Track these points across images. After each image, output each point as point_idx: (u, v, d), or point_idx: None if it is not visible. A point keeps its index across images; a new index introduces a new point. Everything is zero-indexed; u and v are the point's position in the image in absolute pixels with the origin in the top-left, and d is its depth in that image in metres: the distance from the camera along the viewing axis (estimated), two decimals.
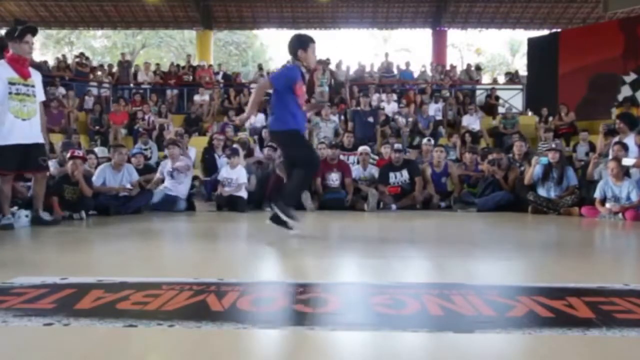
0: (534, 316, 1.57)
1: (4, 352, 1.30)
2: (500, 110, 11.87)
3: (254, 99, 3.59)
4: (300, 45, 3.44)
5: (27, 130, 4.13)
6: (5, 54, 4.15)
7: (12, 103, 4.04)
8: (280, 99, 3.47)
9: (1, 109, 4.01)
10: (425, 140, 7.95)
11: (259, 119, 10.31)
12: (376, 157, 7.68)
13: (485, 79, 14.64)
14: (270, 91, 3.56)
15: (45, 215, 4.48)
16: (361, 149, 7.16)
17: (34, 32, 4.20)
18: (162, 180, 6.64)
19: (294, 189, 3.54)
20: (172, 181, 6.39)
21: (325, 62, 12.71)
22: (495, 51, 31.29)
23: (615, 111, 9.64)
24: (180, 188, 6.39)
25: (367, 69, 13.75)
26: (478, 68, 14.36)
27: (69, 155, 5.50)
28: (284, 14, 17.37)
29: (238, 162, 6.48)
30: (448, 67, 14.69)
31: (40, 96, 4.35)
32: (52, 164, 5.82)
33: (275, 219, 3.47)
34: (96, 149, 7.91)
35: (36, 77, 4.28)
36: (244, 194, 6.34)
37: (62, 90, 11.22)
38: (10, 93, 4.03)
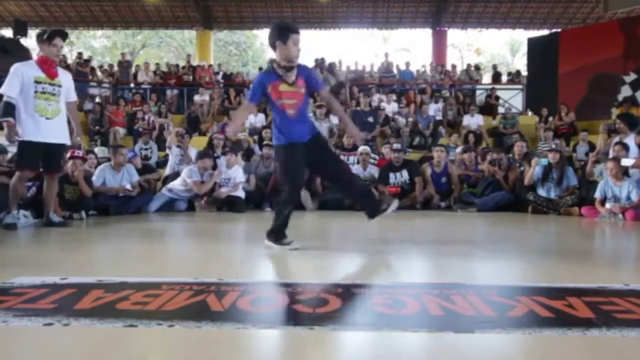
0: (534, 316, 1.57)
1: (4, 352, 1.30)
2: (500, 110, 11.88)
3: (237, 117, 3.17)
4: (278, 37, 2.89)
5: (52, 129, 4.17)
6: (38, 56, 4.27)
7: (37, 102, 4.09)
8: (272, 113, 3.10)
9: (24, 106, 4.05)
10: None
11: (258, 119, 10.31)
12: (376, 157, 7.68)
13: (486, 78, 14.64)
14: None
15: (55, 217, 4.49)
16: (361, 149, 7.16)
17: (63, 36, 4.28)
18: (168, 178, 6.59)
19: (276, 220, 3.07)
20: (182, 189, 6.34)
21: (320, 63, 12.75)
22: (495, 51, 31.31)
23: (615, 111, 9.64)
24: (185, 194, 6.38)
25: (367, 69, 13.75)
26: (477, 68, 14.37)
27: (68, 155, 5.50)
28: (284, 14, 17.36)
29: (235, 162, 6.47)
30: (448, 67, 14.70)
31: (70, 96, 4.40)
32: None
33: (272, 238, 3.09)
34: (96, 149, 7.91)
35: (64, 78, 4.33)
36: (241, 194, 6.34)
37: None
38: (36, 92, 4.08)
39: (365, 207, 3.25)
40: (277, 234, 3.05)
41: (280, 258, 2.94)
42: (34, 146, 4.09)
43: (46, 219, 4.42)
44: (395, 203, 3.21)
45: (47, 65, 4.16)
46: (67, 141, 4.38)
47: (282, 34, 2.90)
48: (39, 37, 4.20)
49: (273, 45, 2.95)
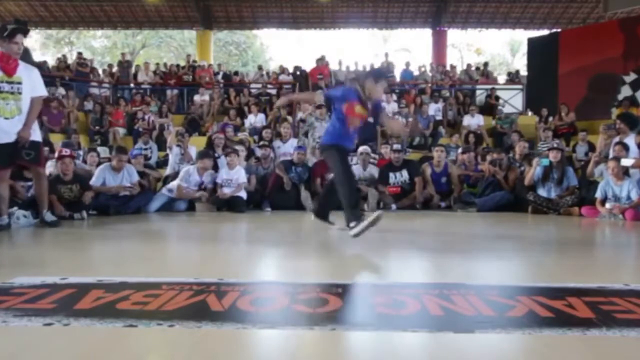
0: (534, 316, 1.57)
1: (4, 352, 1.30)
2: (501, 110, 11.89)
3: (299, 97, 3.90)
4: (372, 77, 3.57)
5: (13, 128, 4.01)
6: None
7: None
8: (332, 116, 3.73)
9: None
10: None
11: (259, 119, 10.32)
12: (376, 157, 7.68)
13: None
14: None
15: (49, 216, 4.46)
16: (361, 149, 7.15)
17: (25, 33, 4.10)
18: (168, 178, 6.55)
19: (344, 204, 3.48)
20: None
21: (322, 60, 12.75)
22: (495, 51, 31.33)
23: (615, 111, 9.64)
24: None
25: (367, 69, 13.75)
26: (478, 68, 14.35)
27: (56, 155, 5.47)
28: (284, 14, 17.37)
29: (237, 163, 6.46)
30: (448, 67, 14.70)
31: (36, 91, 4.18)
32: (52, 164, 5.82)
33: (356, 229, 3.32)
34: (98, 149, 7.91)
35: (26, 73, 4.11)
36: (242, 194, 6.33)
37: (62, 90, 11.22)
38: None
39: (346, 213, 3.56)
40: (356, 214, 3.31)
41: (280, 258, 2.94)
42: None
43: (41, 218, 4.40)
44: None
45: (4, 62, 3.97)
46: (35, 137, 4.16)
47: (377, 76, 3.60)
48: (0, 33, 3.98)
49: (364, 80, 3.58)
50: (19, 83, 4.06)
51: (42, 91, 4.29)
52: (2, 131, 3.97)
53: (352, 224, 3.27)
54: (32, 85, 4.15)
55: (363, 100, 3.59)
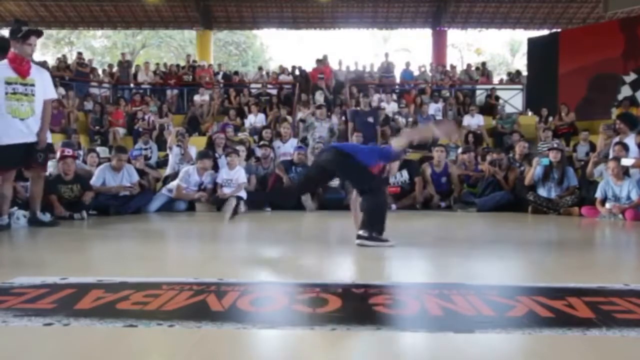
0: (534, 316, 1.57)
1: (4, 352, 1.30)
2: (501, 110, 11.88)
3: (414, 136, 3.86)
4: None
5: (29, 128, 4.09)
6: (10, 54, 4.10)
7: (9, 102, 3.99)
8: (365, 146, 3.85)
9: None
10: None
11: (259, 119, 10.31)
12: None
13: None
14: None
15: (43, 216, 4.47)
16: None
17: (38, 35, 4.15)
18: (168, 178, 6.57)
19: (371, 216, 3.23)
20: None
21: (324, 60, 12.75)
22: (495, 51, 31.31)
23: (615, 111, 9.64)
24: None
25: (367, 69, 13.75)
26: (478, 68, 14.35)
27: (58, 155, 5.49)
28: (284, 14, 17.37)
29: (237, 163, 6.46)
30: (448, 67, 14.70)
31: (47, 94, 4.25)
32: (52, 164, 5.82)
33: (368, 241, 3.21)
34: (97, 149, 7.91)
35: (39, 75, 4.18)
36: (243, 194, 6.33)
37: (62, 90, 11.21)
38: (7, 93, 3.98)
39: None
40: (371, 227, 3.11)
41: (280, 258, 2.94)
42: (8, 148, 4.00)
43: (31, 216, 4.39)
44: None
45: (18, 64, 4.02)
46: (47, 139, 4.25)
47: (395, 158, 3.53)
48: (13, 34, 4.01)
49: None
50: (32, 85, 4.11)
51: (52, 94, 4.38)
52: (18, 131, 4.04)
53: (362, 232, 3.12)
54: (44, 87, 4.21)
55: (382, 168, 3.68)
